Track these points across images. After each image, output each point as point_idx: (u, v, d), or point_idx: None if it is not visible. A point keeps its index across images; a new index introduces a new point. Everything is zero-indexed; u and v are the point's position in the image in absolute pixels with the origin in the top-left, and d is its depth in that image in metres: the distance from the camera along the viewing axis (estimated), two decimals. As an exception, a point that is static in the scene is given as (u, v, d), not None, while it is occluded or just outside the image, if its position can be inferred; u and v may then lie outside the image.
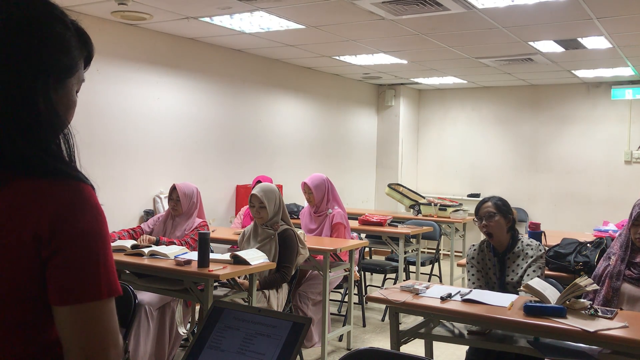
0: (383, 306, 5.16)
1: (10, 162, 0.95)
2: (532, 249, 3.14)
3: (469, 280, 3.26)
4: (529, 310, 2.54)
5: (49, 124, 0.98)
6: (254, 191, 4.00)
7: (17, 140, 0.95)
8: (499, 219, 3.16)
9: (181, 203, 4.15)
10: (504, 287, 3.11)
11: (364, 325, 5.21)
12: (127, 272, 3.61)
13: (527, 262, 3.10)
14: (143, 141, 5.33)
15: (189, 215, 4.20)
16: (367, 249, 6.54)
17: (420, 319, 2.91)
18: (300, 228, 4.87)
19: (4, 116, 0.95)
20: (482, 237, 3.32)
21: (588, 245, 3.62)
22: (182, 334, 3.88)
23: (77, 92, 1.08)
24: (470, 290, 2.88)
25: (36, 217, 0.94)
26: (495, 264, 3.19)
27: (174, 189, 4.20)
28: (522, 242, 3.18)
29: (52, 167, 0.97)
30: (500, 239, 3.18)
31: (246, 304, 3.57)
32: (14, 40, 0.96)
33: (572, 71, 7.17)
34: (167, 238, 4.04)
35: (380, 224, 5.59)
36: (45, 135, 0.98)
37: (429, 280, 5.87)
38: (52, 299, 0.96)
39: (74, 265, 0.95)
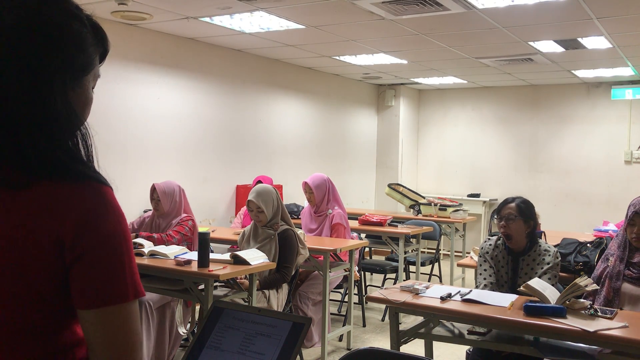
0: (383, 306, 5.16)
1: (31, 164, 0.95)
2: (549, 255, 3.07)
3: (480, 275, 3.17)
4: (529, 310, 2.54)
5: (67, 123, 0.98)
6: (250, 197, 3.97)
7: (38, 141, 0.94)
8: (519, 223, 3.08)
9: (162, 203, 4.08)
10: (514, 288, 3.05)
11: (364, 325, 5.21)
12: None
13: (542, 268, 3.04)
14: (143, 141, 5.33)
15: (174, 214, 4.13)
16: (367, 249, 6.54)
17: (420, 319, 2.90)
18: (301, 228, 4.87)
19: (22, 116, 0.94)
20: (484, 236, 3.30)
21: (588, 245, 3.62)
22: (182, 334, 3.88)
23: (93, 88, 1.07)
24: (470, 290, 2.87)
25: (59, 221, 0.93)
26: (508, 263, 3.13)
27: (154, 189, 4.12)
28: (540, 246, 3.11)
29: (73, 169, 0.97)
30: (517, 242, 3.10)
31: (246, 304, 3.57)
32: (30, 38, 0.95)
33: (572, 71, 7.17)
34: (146, 233, 4.02)
35: (380, 224, 5.59)
36: (63, 135, 0.97)
37: (429, 280, 5.87)
38: (78, 302, 0.96)
39: (100, 268, 0.95)
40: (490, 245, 3.21)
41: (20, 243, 0.93)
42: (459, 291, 2.87)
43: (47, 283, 0.95)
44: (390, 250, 5.78)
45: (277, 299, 3.89)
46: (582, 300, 2.63)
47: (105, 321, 0.95)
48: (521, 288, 2.73)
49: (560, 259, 3.12)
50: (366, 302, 5.37)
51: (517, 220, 3.07)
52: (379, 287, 6.09)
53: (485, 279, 3.14)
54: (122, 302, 0.96)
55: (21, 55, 0.95)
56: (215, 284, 3.53)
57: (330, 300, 4.82)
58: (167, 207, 4.11)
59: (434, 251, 6.31)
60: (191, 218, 4.18)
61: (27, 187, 0.94)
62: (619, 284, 2.86)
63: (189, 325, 4.04)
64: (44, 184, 0.95)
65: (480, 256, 3.23)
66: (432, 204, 6.67)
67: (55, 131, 0.96)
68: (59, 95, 0.96)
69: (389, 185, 7.56)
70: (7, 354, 0.96)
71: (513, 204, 3.13)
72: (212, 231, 4.68)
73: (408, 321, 4.08)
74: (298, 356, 2.16)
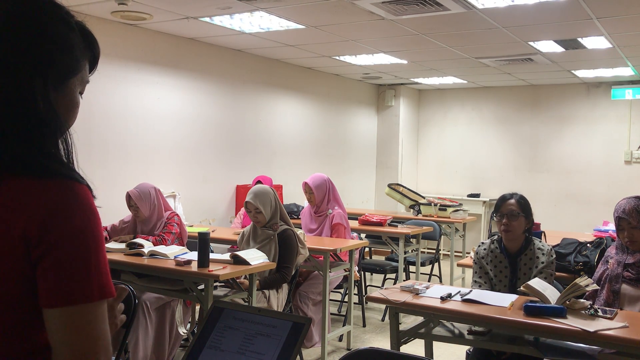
0: (383, 306, 5.16)
1: (5, 162, 0.94)
2: (543, 254, 3.05)
3: (475, 282, 3.15)
4: (529, 310, 2.54)
5: (48, 124, 0.97)
6: (247, 198, 3.95)
7: (13, 139, 0.94)
8: (521, 219, 3.05)
9: (140, 209, 4.01)
10: (514, 289, 3.04)
11: (364, 325, 5.21)
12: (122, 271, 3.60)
13: (537, 267, 3.03)
14: (143, 141, 5.33)
15: (155, 216, 4.08)
16: (367, 249, 6.54)
17: (420, 319, 2.90)
18: (301, 228, 4.87)
19: (1, 115, 0.94)
20: (484, 236, 3.29)
21: (588, 245, 3.62)
22: (182, 334, 3.88)
23: (81, 93, 1.06)
24: (470, 290, 2.87)
25: (26, 217, 0.92)
26: (507, 265, 3.10)
27: (129, 196, 4.02)
28: (534, 244, 3.09)
29: (46, 167, 0.95)
30: (516, 239, 3.09)
31: (246, 304, 3.57)
32: (12, 38, 0.95)
33: (572, 71, 7.17)
34: (144, 236, 3.99)
35: (380, 224, 5.59)
36: (43, 136, 0.96)
37: (429, 280, 5.87)
38: (41, 301, 0.93)
39: (63, 265, 0.92)
40: (484, 249, 3.17)
41: None
42: (459, 291, 2.87)
43: (17, 281, 0.93)
44: (390, 250, 5.78)
45: (277, 299, 3.89)
46: (582, 300, 2.63)
47: (67, 321, 0.92)
48: (521, 288, 2.73)
49: (555, 257, 3.11)
50: (366, 302, 5.37)
51: (520, 217, 3.06)
52: (379, 287, 6.09)
53: (480, 286, 3.12)
54: (85, 302, 0.92)
55: (1, 51, 0.95)
56: (215, 284, 3.52)
57: (330, 300, 4.82)
58: (146, 212, 4.04)
59: (434, 251, 6.31)
60: (175, 214, 4.14)
61: None
62: (617, 286, 2.87)
63: (189, 325, 4.04)
64: (14, 180, 0.94)
65: (475, 262, 3.20)
66: (432, 204, 6.67)
67: (34, 130, 0.95)
68: (39, 95, 0.96)
69: (389, 185, 7.56)
70: None
71: (513, 200, 3.11)
72: (212, 231, 4.68)
73: (408, 321, 4.08)
74: (298, 356, 2.16)
